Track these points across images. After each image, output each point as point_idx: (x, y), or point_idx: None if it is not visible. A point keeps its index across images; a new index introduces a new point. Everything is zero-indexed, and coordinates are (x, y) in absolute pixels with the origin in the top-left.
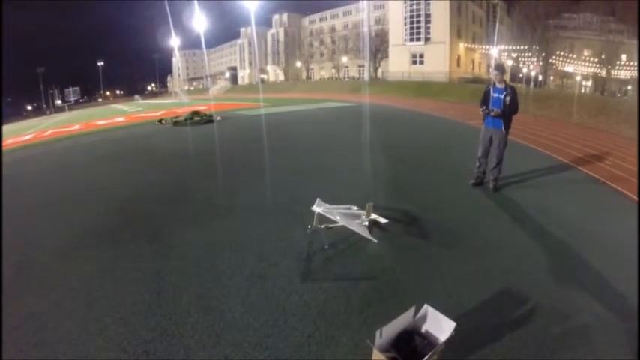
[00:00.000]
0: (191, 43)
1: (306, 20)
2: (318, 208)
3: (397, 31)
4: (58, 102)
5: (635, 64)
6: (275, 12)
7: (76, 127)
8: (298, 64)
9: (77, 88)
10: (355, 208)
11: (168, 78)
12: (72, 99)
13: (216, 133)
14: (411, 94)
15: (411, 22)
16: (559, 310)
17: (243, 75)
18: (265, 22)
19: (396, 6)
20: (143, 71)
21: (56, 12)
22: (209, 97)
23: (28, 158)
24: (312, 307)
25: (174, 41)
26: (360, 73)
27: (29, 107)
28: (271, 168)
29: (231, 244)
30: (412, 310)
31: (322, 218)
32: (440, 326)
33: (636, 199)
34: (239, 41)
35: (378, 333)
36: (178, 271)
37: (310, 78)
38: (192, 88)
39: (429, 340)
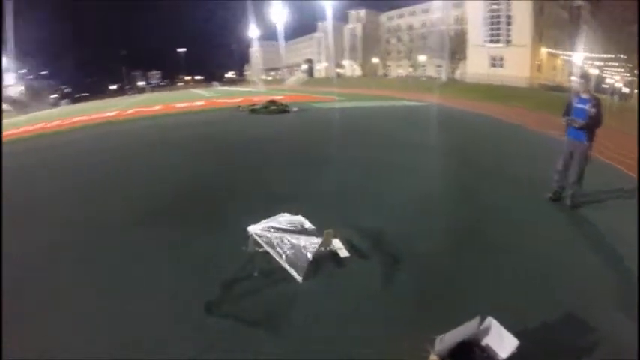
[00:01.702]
0: (269, 35)
1: (384, 17)
2: (254, 228)
3: (476, 31)
4: (141, 83)
5: None
6: (352, 7)
7: (157, 107)
8: (375, 60)
9: (159, 72)
10: (308, 230)
11: (246, 67)
12: (153, 82)
13: (290, 122)
14: (488, 98)
15: (491, 23)
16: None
17: (320, 68)
18: (342, 17)
19: (475, 5)
20: (222, 59)
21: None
22: (285, 87)
23: (111, 133)
24: None
25: (254, 32)
26: (437, 73)
27: (112, 87)
28: (337, 161)
29: None
30: (476, 320)
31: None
32: (502, 342)
33: None
34: (316, 34)
35: (439, 339)
36: None
37: (387, 75)
38: (269, 78)
39: (488, 355)
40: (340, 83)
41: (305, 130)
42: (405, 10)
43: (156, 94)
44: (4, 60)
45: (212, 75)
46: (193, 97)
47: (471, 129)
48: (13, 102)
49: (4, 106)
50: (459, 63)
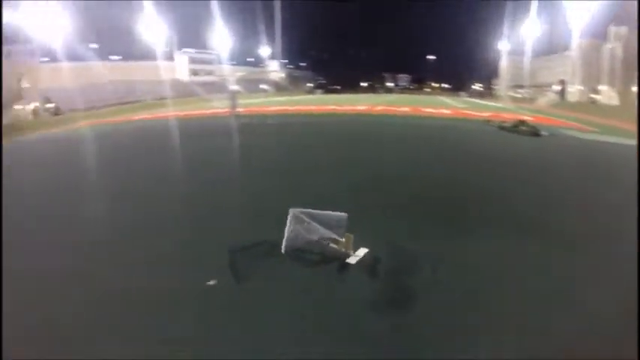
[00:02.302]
0: (520, 49)
1: None
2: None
3: None
4: (390, 84)
5: None
6: (612, 23)
7: (405, 108)
8: (634, 88)
9: (408, 75)
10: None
11: (494, 81)
12: (401, 84)
13: (543, 147)
14: None
15: None
16: None
17: (573, 91)
18: (601, 35)
19: None
20: (470, 70)
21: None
22: (534, 107)
23: (360, 123)
24: None
25: (504, 45)
26: None
27: (363, 84)
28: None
29: None
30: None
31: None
32: None
33: None
34: (570, 53)
35: None
36: None
37: None
38: (517, 95)
39: None
40: (595, 111)
41: (559, 161)
42: None
43: (404, 96)
44: (270, 49)
45: (459, 85)
46: (440, 105)
47: None
48: (274, 84)
49: (264, 86)
50: None
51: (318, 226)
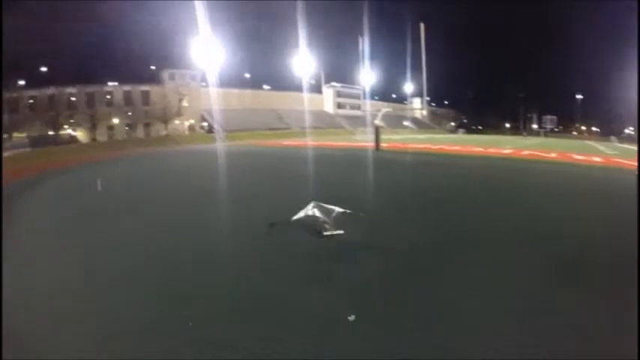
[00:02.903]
0: None
1: None
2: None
3: None
4: (534, 126)
5: None
6: None
7: (552, 154)
8: None
9: (554, 117)
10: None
11: None
12: (548, 127)
13: None
14: None
15: None
16: None
17: None
18: None
19: None
20: (621, 111)
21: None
22: None
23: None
24: None
25: None
26: None
27: (507, 125)
28: None
29: None
30: None
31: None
32: None
33: None
34: None
35: None
36: None
37: None
38: None
39: None
40: None
41: None
42: None
43: (551, 140)
44: (414, 86)
45: (609, 128)
46: (590, 151)
47: None
48: (417, 122)
49: (407, 123)
50: None
51: (325, 211)
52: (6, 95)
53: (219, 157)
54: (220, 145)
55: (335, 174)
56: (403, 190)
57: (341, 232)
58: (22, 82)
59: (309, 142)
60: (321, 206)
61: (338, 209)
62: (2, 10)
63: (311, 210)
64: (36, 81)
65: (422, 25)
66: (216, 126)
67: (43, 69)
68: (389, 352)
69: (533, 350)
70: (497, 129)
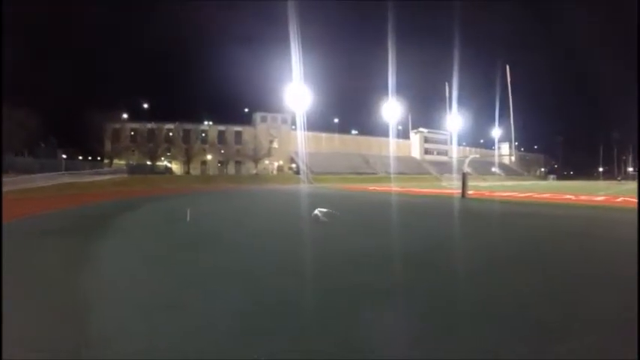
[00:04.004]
0: None
1: None
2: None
3: None
4: (630, 169)
5: None
6: None
7: None
8: None
9: None
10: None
11: None
12: None
13: None
14: None
15: None
16: None
17: None
18: None
19: None
20: None
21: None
22: None
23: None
24: None
25: None
26: None
27: (600, 169)
28: None
29: None
30: None
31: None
32: None
33: None
34: None
35: None
36: None
37: None
38: None
39: None
40: None
41: None
42: None
43: None
44: (502, 131)
45: None
46: None
47: None
48: (505, 168)
49: (495, 169)
50: None
51: (323, 214)
52: (109, 126)
53: (307, 197)
54: (308, 186)
55: (415, 222)
56: (483, 244)
57: (326, 220)
58: (125, 116)
59: (395, 187)
60: (320, 210)
61: (324, 210)
62: (2, 10)
63: (317, 211)
64: (138, 115)
65: (507, 68)
66: (304, 168)
67: (145, 105)
68: None
69: None
70: (590, 174)
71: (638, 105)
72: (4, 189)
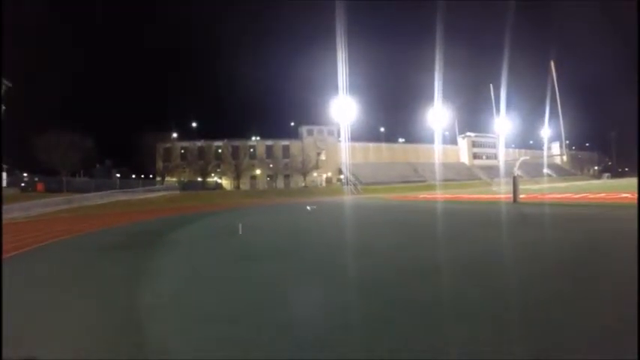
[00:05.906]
0: None
1: None
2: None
3: None
4: None
5: None
6: None
7: None
8: None
9: None
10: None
11: None
12: None
13: None
14: None
15: None
16: None
17: None
18: None
19: None
20: None
21: None
22: None
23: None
24: None
25: None
26: None
27: None
28: None
29: None
30: None
31: None
32: None
33: None
34: None
35: None
36: None
37: None
38: None
39: None
40: None
41: None
42: None
43: None
44: (552, 130)
45: None
46: None
47: None
48: (557, 168)
49: (547, 170)
50: None
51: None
52: (160, 145)
53: (359, 209)
54: (358, 197)
55: (465, 230)
56: (540, 251)
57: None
58: (174, 135)
59: (445, 195)
60: (311, 206)
61: (312, 207)
62: (2, 10)
63: (309, 207)
64: (188, 134)
65: (552, 64)
66: (352, 179)
67: (194, 124)
68: None
69: None
70: None
71: (638, 105)
72: (63, 207)
